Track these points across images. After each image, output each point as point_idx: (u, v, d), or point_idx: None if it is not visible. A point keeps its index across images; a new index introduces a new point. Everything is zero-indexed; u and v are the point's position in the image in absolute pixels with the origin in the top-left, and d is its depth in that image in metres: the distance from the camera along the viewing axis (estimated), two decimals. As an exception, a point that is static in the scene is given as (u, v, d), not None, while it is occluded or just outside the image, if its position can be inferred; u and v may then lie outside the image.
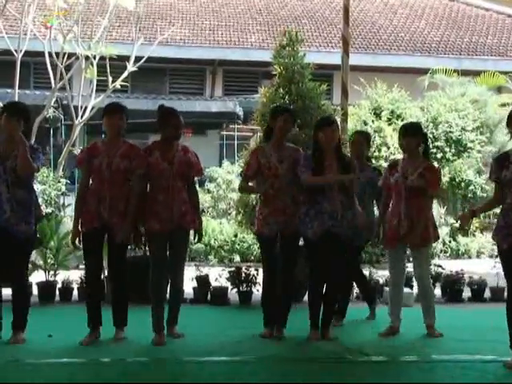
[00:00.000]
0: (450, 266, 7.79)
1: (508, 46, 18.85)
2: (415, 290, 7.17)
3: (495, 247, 4.87)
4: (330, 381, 4.17)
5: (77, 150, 11.05)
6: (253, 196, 6.80)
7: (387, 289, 6.56)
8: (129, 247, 7.26)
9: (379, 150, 11.87)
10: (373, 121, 12.24)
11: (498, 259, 5.02)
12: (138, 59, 11.81)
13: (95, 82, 11.50)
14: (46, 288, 6.92)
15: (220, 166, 14.18)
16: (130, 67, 11.78)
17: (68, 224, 7.68)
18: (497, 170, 4.80)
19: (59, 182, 10.98)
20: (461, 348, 5.02)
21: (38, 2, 11.67)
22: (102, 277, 5.44)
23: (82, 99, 11.68)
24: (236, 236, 10.92)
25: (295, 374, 4.27)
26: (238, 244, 11.03)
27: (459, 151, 12.58)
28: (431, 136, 11.94)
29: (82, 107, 11.64)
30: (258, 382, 4.11)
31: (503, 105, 14.42)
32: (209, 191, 13.21)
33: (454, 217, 13.00)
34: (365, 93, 12.83)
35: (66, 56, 11.28)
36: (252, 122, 7.88)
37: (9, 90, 12.28)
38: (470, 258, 12.15)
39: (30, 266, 5.67)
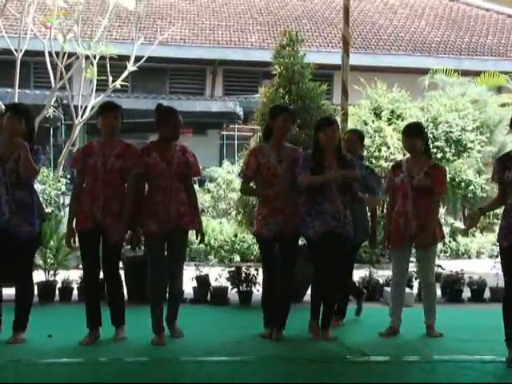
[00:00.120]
0: (449, 266, 7.78)
1: (508, 46, 18.86)
2: (415, 290, 7.19)
3: (495, 247, 4.91)
4: (330, 381, 4.17)
5: (77, 150, 11.03)
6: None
7: (387, 289, 6.57)
8: (128, 247, 7.29)
9: (379, 150, 11.86)
10: (373, 121, 12.23)
11: (498, 259, 5.04)
12: (138, 59, 11.80)
13: (95, 82, 11.49)
14: (46, 288, 6.92)
15: (220, 165, 14.18)
16: (130, 67, 11.78)
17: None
18: (499, 171, 4.83)
19: (59, 181, 10.98)
20: (460, 348, 5.02)
21: (38, 1, 11.67)
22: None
23: (82, 99, 11.68)
24: (236, 236, 10.92)
25: (295, 374, 4.28)
26: (238, 244, 11.03)
27: (459, 151, 12.58)
28: (431, 136, 11.93)
29: (82, 107, 11.64)
30: (258, 382, 4.11)
31: (503, 105, 14.43)
32: (209, 191, 13.21)
33: (453, 217, 13.02)
34: (365, 93, 12.82)
35: (66, 56, 11.28)
36: (252, 122, 7.87)
37: (9, 90, 12.28)
38: (469, 258, 12.16)
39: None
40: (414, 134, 5.44)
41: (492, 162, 5.72)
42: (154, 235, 4.96)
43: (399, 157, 11.22)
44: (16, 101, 10.41)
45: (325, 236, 5.05)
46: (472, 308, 7.11)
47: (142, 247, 6.09)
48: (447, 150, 12.41)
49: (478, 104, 13.66)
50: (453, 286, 7.39)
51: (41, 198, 5.36)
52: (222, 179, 13.16)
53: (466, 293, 7.47)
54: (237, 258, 10.91)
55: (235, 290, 7.00)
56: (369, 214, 5.99)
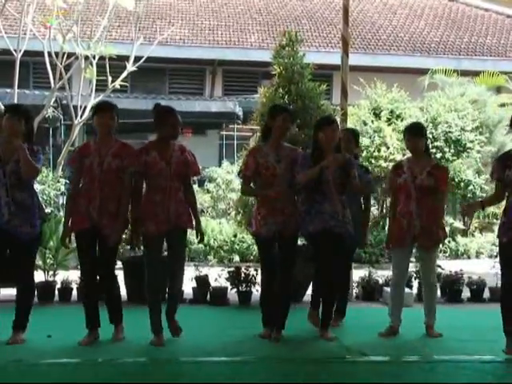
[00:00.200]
0: (449, 266, 7.78)
1: (507, 46, 18.87)
2: (415, 290, 7.20)
3: (494, 247, 4.95)
4: (330, 381, 4.17)
5: (76, 150, 11.02)
6: (252, 196, 6.80)
7: (387, 289, 6.57)
8: (128, 247, 7.28)
9: (378, 150, 11.86)
10: (372, 121, 12.23)
11: (497, 259, 5.05)
12: (137, 59, 11.80)
13: (95, 82, 11.48)
14: (46, 288, 6.92)
15: (219, 166, 14.18)
16: (130, 67, 11.77)
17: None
18: (499, 170, 4.85)
19: (58, 181, 10.97)
20: (460, 348, 5.02)
21: (37, 1, 11.65)
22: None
23: (82, 99, 11.67)
24: (235, 236, 10.92)
25: (295, 374, 4.28)
26: (238, 244, 11.03)
27: (458, 151, 12.57)
28: (430, 136, 11.92)
29: (81, 107, 11.63)
30: (258, 382, 4.12)
31: (502, 105, 14.43)
32: (208, 191, 13.21)
33: (453, 217, 13.02)
34: (364, 93, 12.82)
35: (65, 56, 11.27)
36: (252, 122, 7.87)
37: (8, 90, 12.27)
38: (469, 258, 12.15)
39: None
40: (418, 134, 5.45)
41: (491, 162, 5.76)
42: (153, 236, 4.94)
43: (398, 157, 11.23)
44: (15, 101, 10.42)
45: (324, 234, 5.06)
46: (471, 308, 7.11)
47: (142, 247, 6.08)
48: (446, 150, 12.41)
49: (478, 104, 13.66)
50: (452, 286, 7.39)
51: (40, 199, 5.35)
52: (222, 179, 13.16)
53: (466, 293, 7.47)
54: (236, 258, 10.91)
55: (235, 290, 7.00)
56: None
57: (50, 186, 10.78)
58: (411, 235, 5.37)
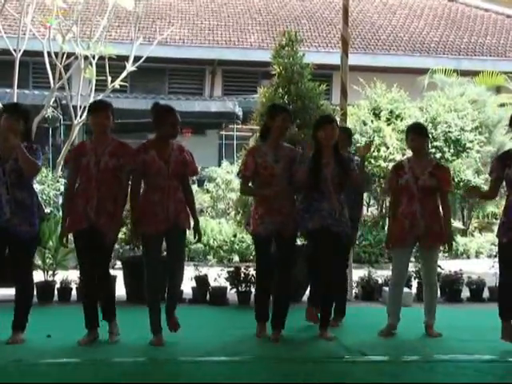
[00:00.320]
0: (448, 265, 7.79)
1: (507, 46, 18.87)
2: (414, 289, 7.20)
3: (494, 247, 4.97)
4: (330, 381, 4.17)
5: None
6: (252, 196, 6.80)
7: (386, 289, 6.57)
8: (128, 247, 7.27)
9: (378, 150, 11.86)
10: (372, 121, 12.23)
11: (497, 259, 5.06)
12: (137, 59, 11.79)
13: (94, 82, 11.48)
14: (45, 288, 6.92)
15: (219, 165, 14.18)
16: (129, 67, 11.76)
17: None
18: (498, 169, 4.87)
19: (58, 181, 10.96)
20: (460, 348, 5.02)
21: (37, 1, 11.64)
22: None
23: (81, 99, 11.66)
24: (235, 236, 10.92)
25: (295, 374, 4.27)
26: (237, 244, 11.02)
27: (458, 151, 12.58)
28: (430, 136, 11.92)
29: (81, 107, 11.61)
30: (257, 382, 4.11)
31: (502, 105, 14.42)
32: (208, 191, 13.21)
33: (452, 217, 13.01)
34: (364, 93, 12.82)
35: (65, 56, 11.26)
36: (251, 122, 7.87)
37: (8, 90, 12.26)
38: (468, 258, 12.15)
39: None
40: (422, 134, 5.46)
41: (491, 161, 5.80)
42: (151, 236, 4.92)
43: (398, 157, 11.23)
44: (15, 101, 10.40)
45: (322, 232, 5.06)
46: (471, 308, 7.11)
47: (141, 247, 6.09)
48: (446, 150, 12.41)
49: (477, 104, 13.66)
50: (452, 286, 7.39)
51: (39, 199, 5.34)
52: (221, 179, 13.16)
53: (465, 292, 7.48)
54: (236, 258, 10.90)
55: (234, 290, 7.00)
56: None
57: (50, 186, 10.77)
58: (414, 235, 5.36)
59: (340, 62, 7.43)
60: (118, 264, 7.72)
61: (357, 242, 8.15)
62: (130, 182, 5.01)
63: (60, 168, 11.38)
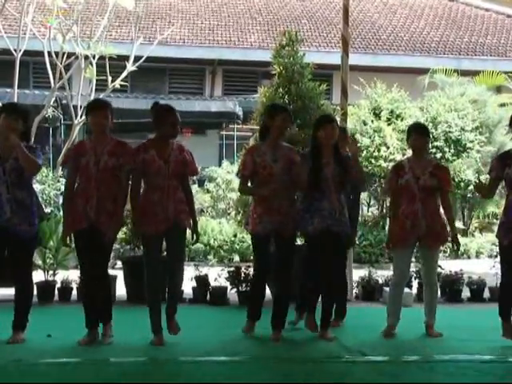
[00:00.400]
0: (449, 266, 7.78)
1: (507, 46, 18.86)
2: (414, 290, 7.20)
3: (494, 247, 4.96)
4: (330, 381, 4.17)
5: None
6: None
7: (387, 289, 6.56)
8: (128, 247, 7.27)
9: (378, 150, 11.86)
10: (372, 121, 12.23)
11: (497, 259, 5.06)
12: (137, 59, 11.79)
13: (94, 82, 11.48)
14: (45, 288, 6.92)
15: (219, 165, 14.18)
16: (130, 67, 11.76)
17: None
18: (498, 168, 4.88)
19: (58, 181, 10.97)
20: (460, 348, 5.02)
21: (37, 1, 11.64)
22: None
23: (82, 99, 11.65)
24: (235, 236, 10.91)
25: (295, 374, 4.27)
26: (238, 244, 11.02)
27: (458, 151, 12.57)
28: (431, 136, 11.93)
29: (81, 107, 11.60)
30: (257, 382, 4.11)
31: (502, 105, 14.41)
32: (208, 191, 13.21)
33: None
34: (364, 93, 12.81)
35: (65, 55, 11.25)
36: (251, 122, 7.87)
37: (8, 90, 12.26)
38: (469, 258, 12.14)
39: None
40: (425, 134, 5.48)
41: (491, 161, 5.82)
42: (152, 236, 4.92)
43: (398, 157, 11.23)
44: (15, 101, 10.40)
45: (323, 234, 5.06)
46: (471, 308, 7.11)
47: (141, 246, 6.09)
48: (446, 150, 12.41)
49: (478, 104, 13.65)
50: (452, 286, 7.39)
51: (40, 198, 5.35)
52: (222, 179, 13.16)
53: (466, 293, 7.47)
54: (236, 257, 10.90)
55: (234, 290, 6.99)
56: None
57: (50, 186, 10.78)
58: (415, 236, 5.36)
59: (340, 61, 7.43)
60: (119, 264, 7.72)
61: (357, 242, 8.15)
62: (129, 182, 5.01)
63: (60, 168, 11.39)
